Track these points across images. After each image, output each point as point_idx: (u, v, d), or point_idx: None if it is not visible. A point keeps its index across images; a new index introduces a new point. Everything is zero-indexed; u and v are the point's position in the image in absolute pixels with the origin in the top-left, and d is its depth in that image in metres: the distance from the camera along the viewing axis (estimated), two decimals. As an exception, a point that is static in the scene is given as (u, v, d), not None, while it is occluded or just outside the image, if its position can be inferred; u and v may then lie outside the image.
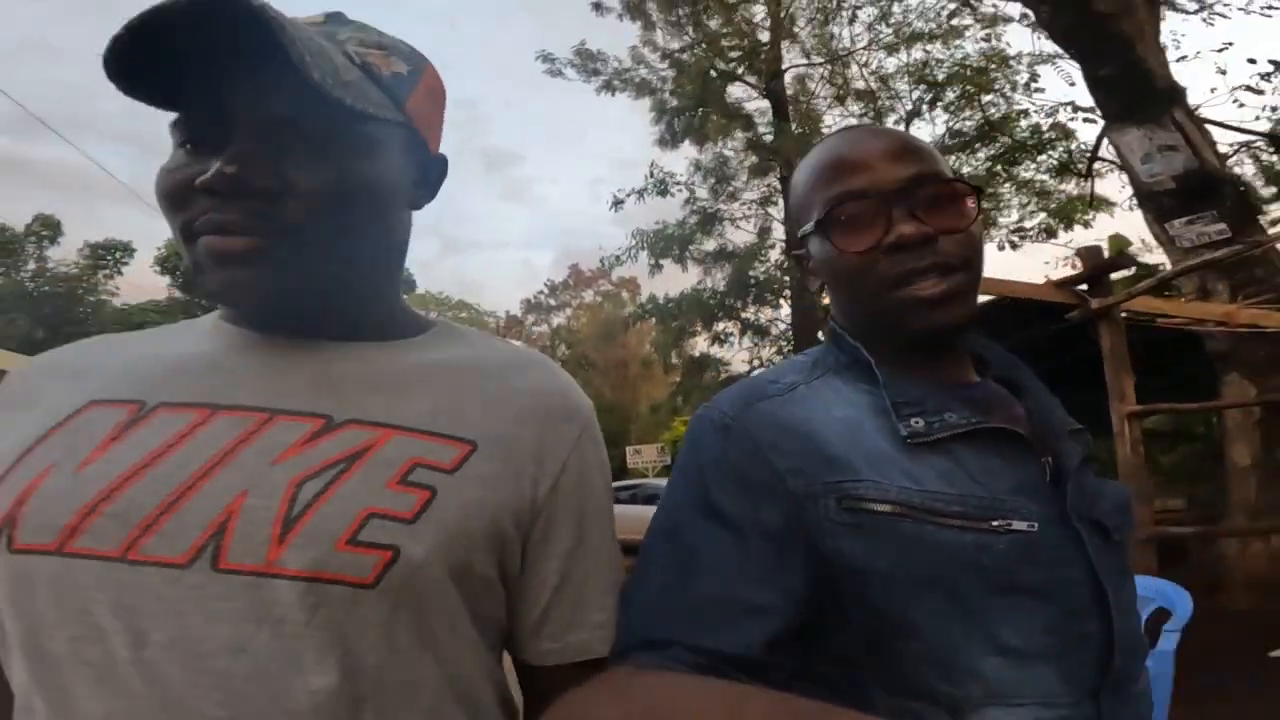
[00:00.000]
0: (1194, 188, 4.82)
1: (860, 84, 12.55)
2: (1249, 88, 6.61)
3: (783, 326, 13.82)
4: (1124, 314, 3.94)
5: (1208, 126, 5.61)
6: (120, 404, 0.54)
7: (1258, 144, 6.73)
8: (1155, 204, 5.10)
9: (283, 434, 0.52)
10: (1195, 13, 7.80)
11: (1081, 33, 5.14)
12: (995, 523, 0.59)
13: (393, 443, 0.54)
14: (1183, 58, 7.29)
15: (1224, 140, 6.44)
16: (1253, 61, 6.71)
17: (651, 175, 13.28)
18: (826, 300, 0.77)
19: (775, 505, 0.61)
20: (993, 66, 10.70)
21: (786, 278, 13.05)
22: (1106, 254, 4.54)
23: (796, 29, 12.96)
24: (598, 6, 12.95)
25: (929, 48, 11.42)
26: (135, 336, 0.65)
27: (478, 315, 45.74)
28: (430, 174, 0.66)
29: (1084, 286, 4.06)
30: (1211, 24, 7.63)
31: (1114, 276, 4.22)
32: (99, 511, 0.48)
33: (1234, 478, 4.87)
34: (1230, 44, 6.99)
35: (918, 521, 0.59)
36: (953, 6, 10.81)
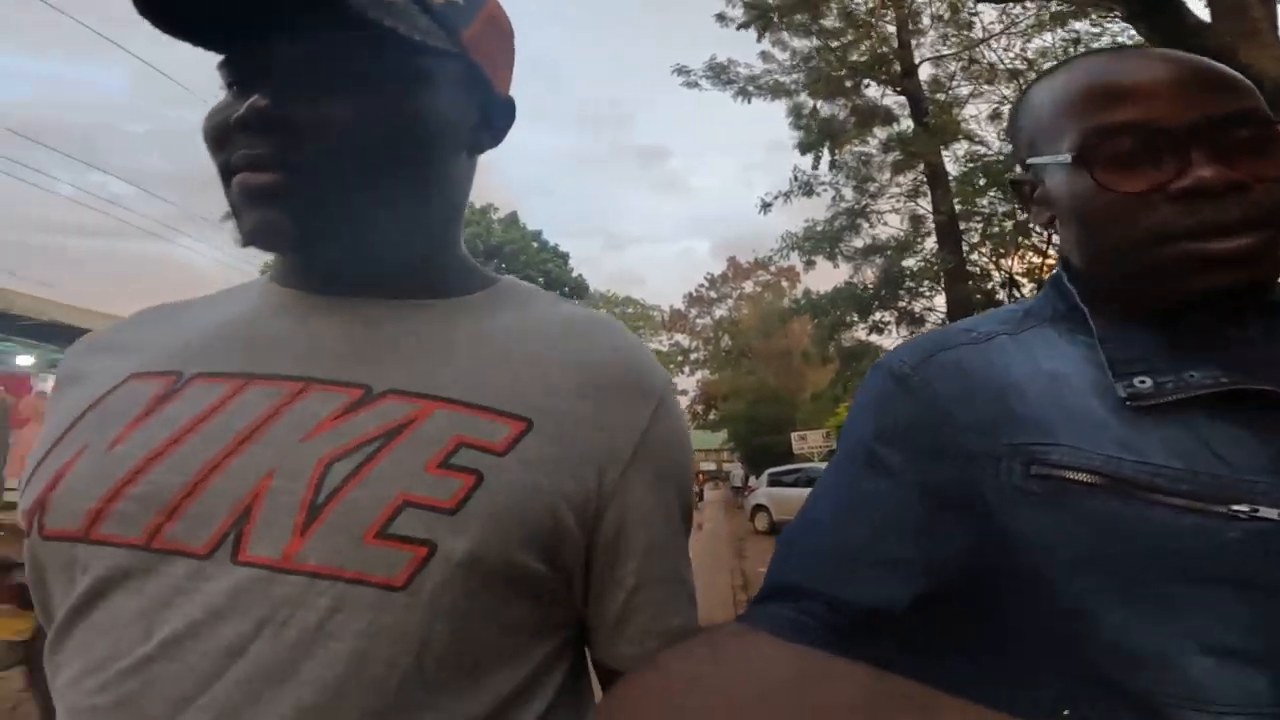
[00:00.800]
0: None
1: (1003, 67, 12.39)
2: None
3: (937, 316, 13.86)
4: None
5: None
6: (158, 376, 0.53)
7: None
8: None
9: (317, 405, 0.50)
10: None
11: (1179, 48, 5.42)
12: (1237, 507, 0.48)
13: (436, 417, 0.49)
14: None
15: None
16: None
17: (795, 178, 13.94)
18: (1052, 238, 0.78)
19: (947, 463, 0.56)
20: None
21: (938, 267, 13.16)
22: None
23: (922, 25, 12.92)
24: (721, 17, 13.57)
25: (1077, 26, 11.09)
26: (190, 303, 0.63)
27: (643, 309, 48.08)
28: (494, 116, 0.62)
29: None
30: None
31: None
32: (122, 495, 0.47)
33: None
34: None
35: (1125, 497, 0.50)
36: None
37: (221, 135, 0.52)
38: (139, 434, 0.49)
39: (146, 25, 0.51)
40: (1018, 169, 0.70)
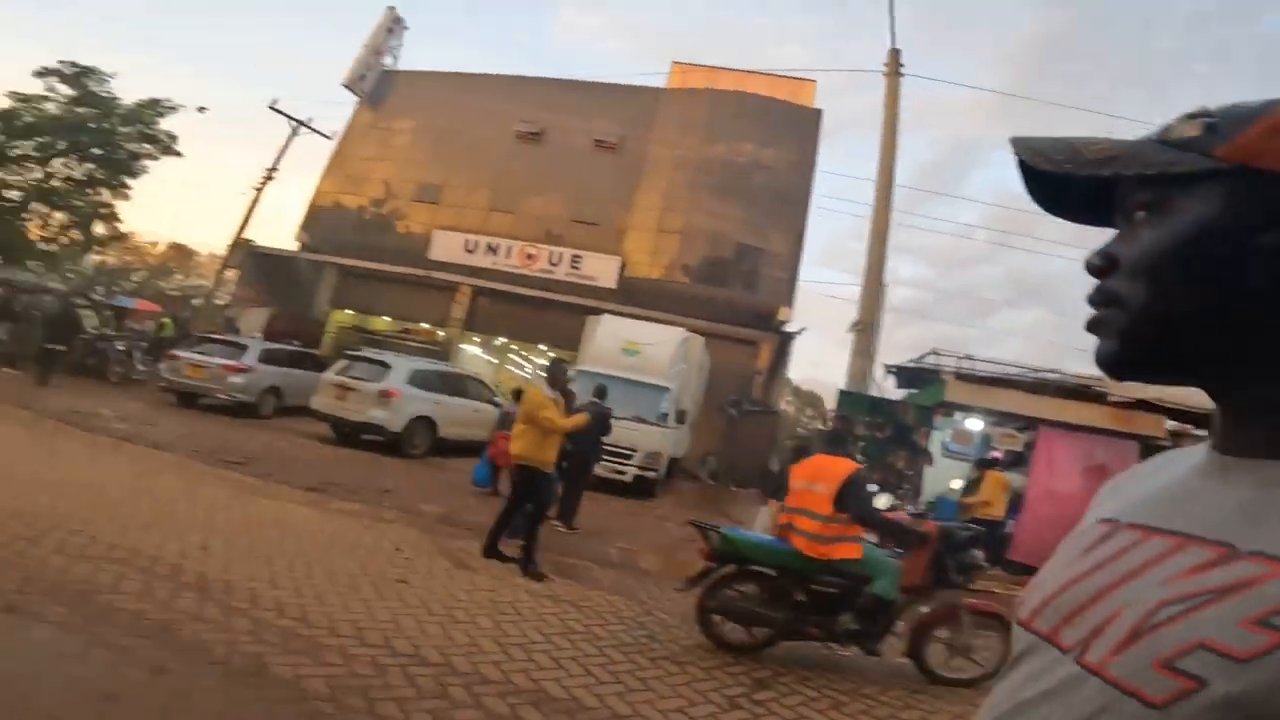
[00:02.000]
0: None
1: None
2: None
3: None
4: None
5: None
6: (1107, 522, 0.64)
7: None
8: None
9: (1185, 559, 0.54)
10: None
11: None
12: None
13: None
14: None
15: None
16: None
17: None
18: None
19: None
20: None
21: None
22: None
23: None
24: None
25: None
26: (1170, 455, 0.70)
27: None
28: None
29: None
30: None
31: None
32: (1051, 602, 0.61)
33: None
34: None
35: None
36: None
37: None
38: (1076, 561, 0.62)
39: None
40: None
